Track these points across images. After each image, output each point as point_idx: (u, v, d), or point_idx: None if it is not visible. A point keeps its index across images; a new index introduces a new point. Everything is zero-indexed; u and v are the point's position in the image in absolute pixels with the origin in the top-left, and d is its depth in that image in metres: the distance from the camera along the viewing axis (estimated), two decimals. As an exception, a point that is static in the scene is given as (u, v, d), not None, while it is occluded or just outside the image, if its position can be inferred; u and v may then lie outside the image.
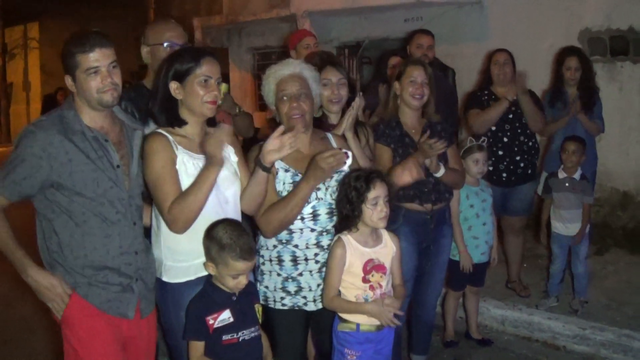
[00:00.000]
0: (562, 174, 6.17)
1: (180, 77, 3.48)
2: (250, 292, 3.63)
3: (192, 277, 3.56)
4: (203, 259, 3.50)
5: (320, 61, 4.57)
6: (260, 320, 3.64)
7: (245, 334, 3.52)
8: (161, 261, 3.60)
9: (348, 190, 3.72)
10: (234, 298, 3.50)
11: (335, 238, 3.78)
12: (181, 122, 3.56)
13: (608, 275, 7.28)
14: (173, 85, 3.49)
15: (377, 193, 3.69)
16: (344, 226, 3.78)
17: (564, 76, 6.69)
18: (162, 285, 3.62)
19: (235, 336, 3.47)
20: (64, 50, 3.32)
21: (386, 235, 3.89)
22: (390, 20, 10.58)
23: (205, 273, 3.53)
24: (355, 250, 3.72)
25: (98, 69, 3.28)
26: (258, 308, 3.65)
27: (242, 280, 3.47)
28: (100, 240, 3.38)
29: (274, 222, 3.77)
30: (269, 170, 3.58)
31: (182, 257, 3.55)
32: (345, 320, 3.79)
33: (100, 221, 3.37)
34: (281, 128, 3.52)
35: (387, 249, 3.84)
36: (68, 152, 3.28)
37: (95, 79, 3.29)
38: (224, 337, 3.45)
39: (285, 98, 3.88)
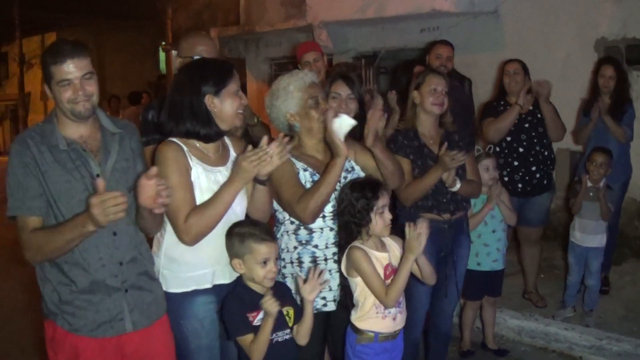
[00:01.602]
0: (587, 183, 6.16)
1: (217, 90, 3.50)
2: (280, 294, 3.61)
3: (189, 289, 3.56)
4: (202, 271, 3.55)
5: (334, 73, 4.62)
6: (291, 323, 3.64)
7: (279, 336, 3.55)
8: (159, 269, 3.60)
9: (354, 199, 3.74)
10: None
11: (348, 249, 3.76)
12: (223, 134, 3.63)
13: (625, 286, 7.25)
14: (209, 99, 3.50)
15: (384, 201, 3.74)
16: (350, 239, 3.79)
17: (599, 84, 6.79)
18: None
19: (270, 337, 3.47)
20: (42, 60, 3.28)
21: (388, 240, 3.90)
22: (407, 30, 10.59)
23: (202, 287, 3.56)
24: (374, 258, 3.73)
25: (70, 81, 3.22)
26: (288, 311, 3.65)
27: (272, 267, 3.50)
28: (79, 255, 3.27)
29: (309, 206, 3.74)
30: (265, 183, 3.56)
31: (180, 268, 3.56)
32: (362, 332, 3.78)
33: None
34: (265, 138, 3.44)
35: (395, 252, 3.86)
36: (47, 162, 3.24)
37: (67, 90, 3.23)
38: None
39: (318, 101, 3.96)
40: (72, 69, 3.20)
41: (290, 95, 3.97)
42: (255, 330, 3.45)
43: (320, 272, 3.60)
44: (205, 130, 3.53)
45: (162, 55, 26.02)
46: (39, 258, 3.25)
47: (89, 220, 3.04)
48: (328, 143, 3.83)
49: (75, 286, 3.29)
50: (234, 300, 3.50)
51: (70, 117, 3.30)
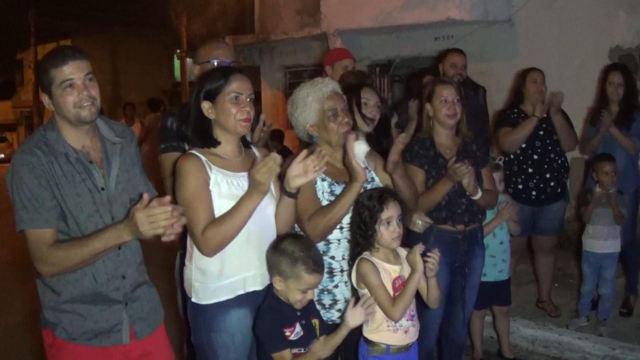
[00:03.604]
0: (598, 190, 6.13)
1: (211, 97, 3.46)
2: (309, 307, 3.61)
3: (222, 299, 3.50)
4: (231, 279, 3.49)
5: (357, 80, 4.61)
6: (317, 335, 3.59)
7: (310, 348, 3.51)
8: (191, 282, 3.57)
9: (361, 210, 3.73)
10: (299, 313, 3.51)
11: (357, 260, 3.72)
12: (215, 143, 3.52)
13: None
14: (205, 106, 3.46)
15: (390, 213, 3.69)
16: (360, 251, 3.76)
17: (607, 92, 6.64)
18: (193, 306, 3.59)
19: (303, 350, 3.47)
20: (39, 69, 3.19)
21: (403, 253, 3.84)
22: (421, 39, 10.61)
23: (235, 295, 3.50)
24: (382, 270, 3.70)
25: (73, 82, 3.13)
26: (315, 323, 3.63)
27: (309, 295, 3.48)
28: (88, 268, 3.23)
29: (319, 226, 3.77)
30: (295, 196, 3.52)
31: (210, 279, 3.49)
32: (373, 344, 3.75)
33: None
34: (305, 152, 3.45)
35: (408, 265, 3.80)
36: (55, 175, 3.15)
37: (71, 94, 3.14)
38: (294, 351, 3.45)
39: (337, 113, 3.90)
40: (74, 69, 3.14)
41: (308, 107, 3.92)
42: (291, 344, 3.43)
43: (369, 304, 3.56)
44: (201, 137, 3.52)
45: (177, 63, 26.18)
46: (57, 271, 3.19)
47: (126, 232, 3.01)
48: (346, 165, 3.79)
49: (78, 296, 3.28)
50: (268, 314, 3.46)
51: (74, 122, 3.22)
